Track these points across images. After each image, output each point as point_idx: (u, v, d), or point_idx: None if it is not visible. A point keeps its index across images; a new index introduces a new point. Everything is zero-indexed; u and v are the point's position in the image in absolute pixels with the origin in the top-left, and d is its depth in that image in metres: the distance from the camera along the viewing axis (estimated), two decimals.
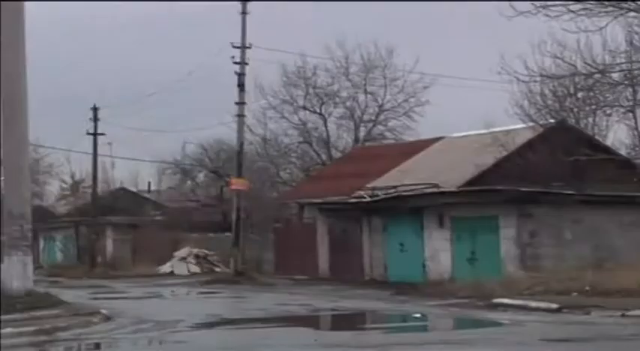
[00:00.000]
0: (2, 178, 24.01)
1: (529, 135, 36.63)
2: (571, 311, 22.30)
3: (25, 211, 23.38)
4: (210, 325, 21.93)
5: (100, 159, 56.97)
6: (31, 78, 23.76)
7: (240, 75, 42.97)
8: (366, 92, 56.87)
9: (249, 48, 42.95)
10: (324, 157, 57.15)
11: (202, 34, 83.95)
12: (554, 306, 22.78)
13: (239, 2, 42.72)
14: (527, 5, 27.04)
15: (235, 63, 42.86)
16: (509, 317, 21.82)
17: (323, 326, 23.88)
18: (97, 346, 19.05)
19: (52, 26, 76.70)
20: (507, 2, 27.33)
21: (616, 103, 34.96)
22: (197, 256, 49.26)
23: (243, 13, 42.81)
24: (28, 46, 23.74)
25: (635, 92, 33.80)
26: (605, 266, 27.98)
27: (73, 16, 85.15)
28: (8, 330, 19.11)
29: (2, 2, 23.47)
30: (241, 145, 44.29)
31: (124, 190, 69.49)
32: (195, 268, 48.04)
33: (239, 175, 43.55)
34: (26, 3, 23.70)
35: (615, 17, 27.63)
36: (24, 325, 19.88)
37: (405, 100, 56.40)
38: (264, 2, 47.67)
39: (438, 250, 34.28)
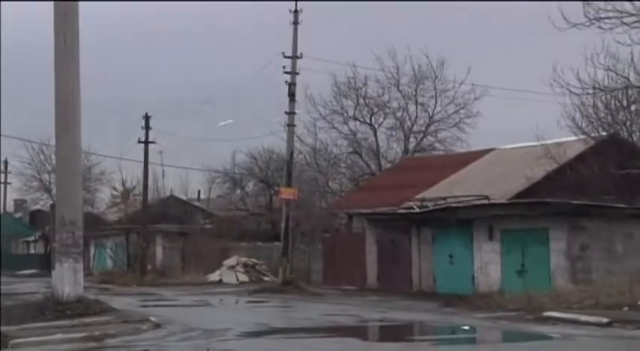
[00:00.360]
0: (55, 184, 24.29)
1: (581, 148, 36.34)
2: (622, 326, 22.01)
3: (76, 218, 23.62)
4: (257, 334, 21.97)
5: (150, 167, 57.31)
6: (83, 86, 24.02)
7: (291, 85, 43.09)
8: (416, 103, 56.88)
9: (300, 58, 43.08)
10: (373, 167, 57.13)
11: (254, 43, 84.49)
12: (605, 320, 22.52)
13: (291, 12, 42.88)
14: (580, 17, 26.94)
15: (286, 73, 43.02)
16: (558, 331, 21.61)
17: (371, 337, 23.79)
18: None
19: (107, 35, 77.52)
20: (560, 14, 27.27)
21: None
22: (246, 265, 49.35)
23: (295, 23, 42.97)
24: (81, 53, 24.00)
25: None
26: None
27: (128, 25, 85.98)
28: (58, 336, 19.33)
29: (55, 2, 23.62)
30: (291, 154, 44.33)
31: (174, 198, 69.98)
32: (244, 277, 48.12)
33: (288, 185, 43.58)
34: (80, 8, 23.83)
35: None
36: (74, 331, 20.08)
37: (456, 112, 56.39)
38: (315, 13, 47.73)
39: (488, 263, 34.05)
